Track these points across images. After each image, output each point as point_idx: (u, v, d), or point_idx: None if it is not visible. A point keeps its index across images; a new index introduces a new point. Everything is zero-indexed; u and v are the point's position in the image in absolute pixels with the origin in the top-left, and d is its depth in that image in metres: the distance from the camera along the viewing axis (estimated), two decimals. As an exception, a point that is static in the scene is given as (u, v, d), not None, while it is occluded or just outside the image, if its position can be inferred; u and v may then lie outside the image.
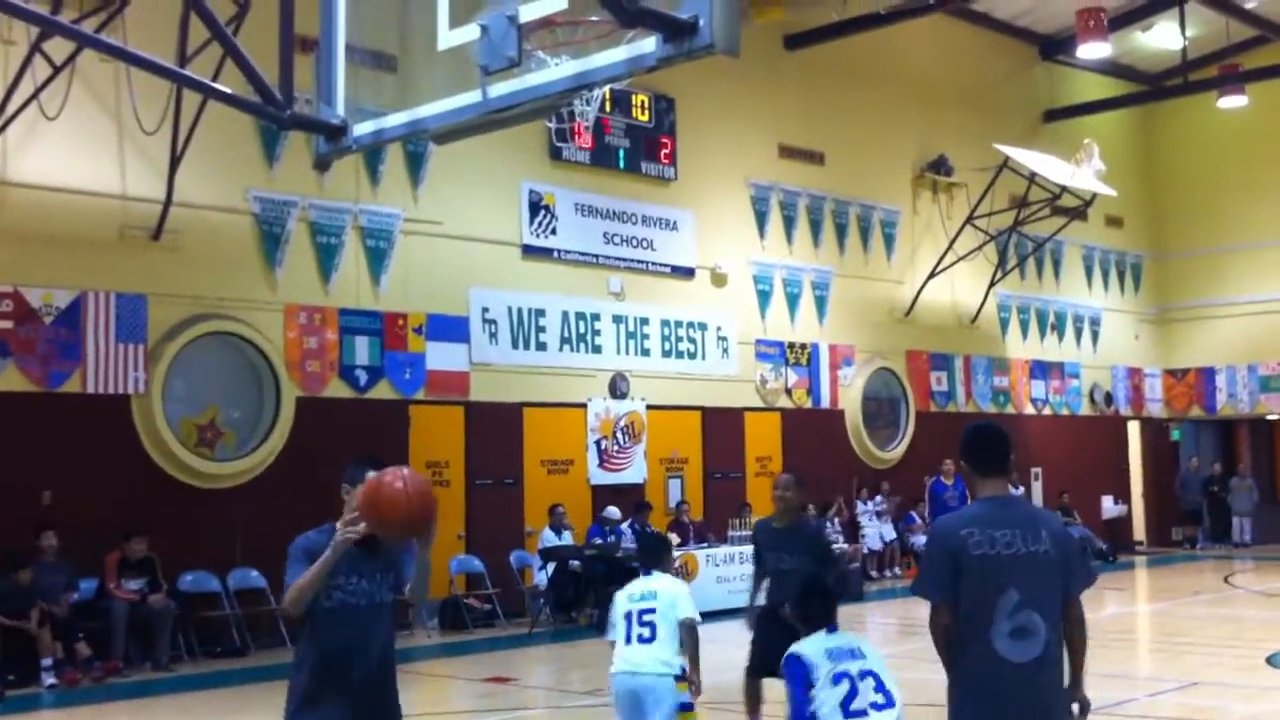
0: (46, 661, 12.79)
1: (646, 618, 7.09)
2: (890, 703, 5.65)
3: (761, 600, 8.95)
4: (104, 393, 14.57)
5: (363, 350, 17.00)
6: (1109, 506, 28.62)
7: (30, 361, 14.09)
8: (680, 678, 6.95)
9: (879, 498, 23.18)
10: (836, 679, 5.58)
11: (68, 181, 14.61)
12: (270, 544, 15.01)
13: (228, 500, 15.18)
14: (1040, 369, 27.80)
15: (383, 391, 17.16)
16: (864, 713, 5.55)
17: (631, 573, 17.51)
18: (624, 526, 18.31)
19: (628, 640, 7.12)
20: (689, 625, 7.08)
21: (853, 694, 5.57)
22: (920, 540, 23.03)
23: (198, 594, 14.69)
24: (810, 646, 5.75)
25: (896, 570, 23.03)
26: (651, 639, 7.01)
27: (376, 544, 5.05)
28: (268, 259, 16.19)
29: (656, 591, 7.20)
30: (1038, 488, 26.77)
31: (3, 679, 12.34)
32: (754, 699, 8.66)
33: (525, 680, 13.09)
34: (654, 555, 7.64)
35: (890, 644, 15.85)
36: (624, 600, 7.28)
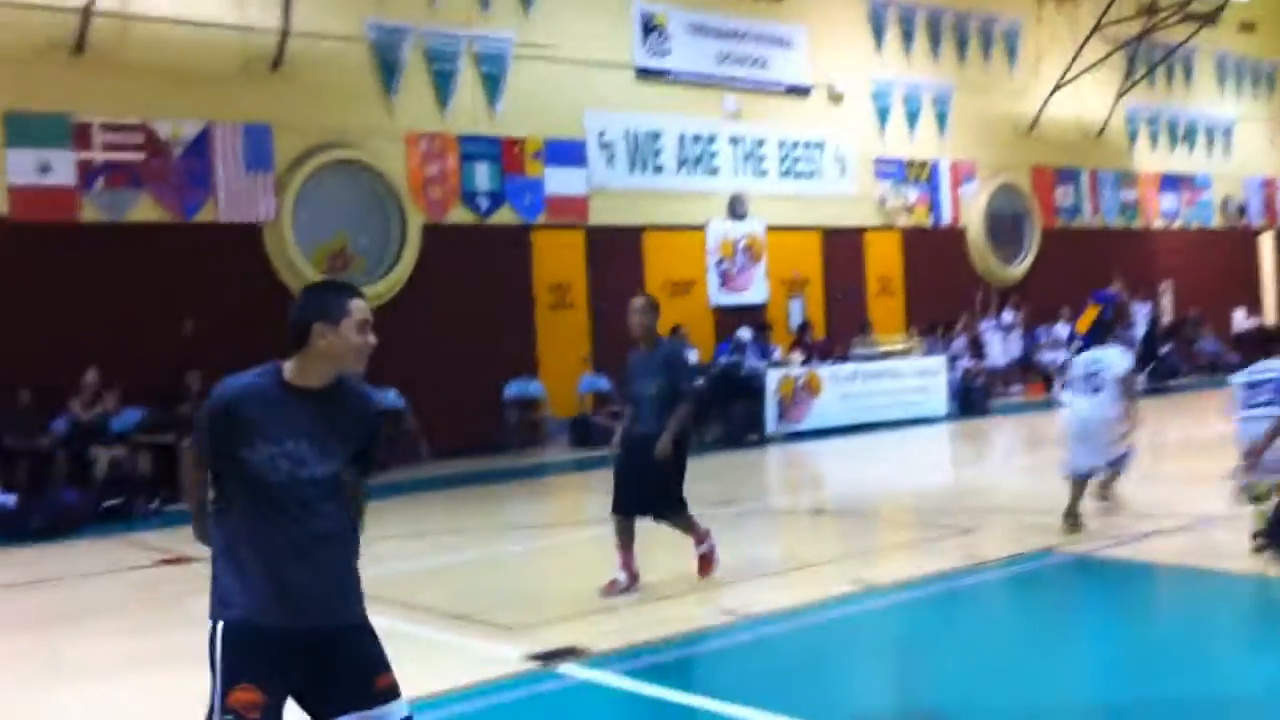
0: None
1: (1093, 379, 9.51)
2: None
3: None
4: (236, 221, 14.93)
5: (483, 176, 17.14)
6: (1240, 320, 27.97)
7: (164, 191, 14.47)
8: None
9: (1006, 313, 22.95)
10: None
11: (189, 14, 14.77)
12: (405, 365, 15.58)
13: (361, 324, 15.57)
14: (1170, 182, 27.02)
15: (504, 217, 17.33)
16: None
17: (752, 389, 17.69)
18: (749, 344, 18.45)
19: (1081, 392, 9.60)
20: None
21: None
22: (1049, 357, 22.82)
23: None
24: None
25: (1019, 386, 22.92)
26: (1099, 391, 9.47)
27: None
28: (385, 87, 16.29)
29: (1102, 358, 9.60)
30: (1167, 302, 26.27)
31: (160, 495, 12.97)
32: (625, 535, 8.12)
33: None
34: (1104, 331, 10.23)
35: (1015, 455, 15.91)
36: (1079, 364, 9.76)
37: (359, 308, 3.92)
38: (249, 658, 3.64)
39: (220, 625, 3.71)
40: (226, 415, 3.77)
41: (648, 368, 8.08)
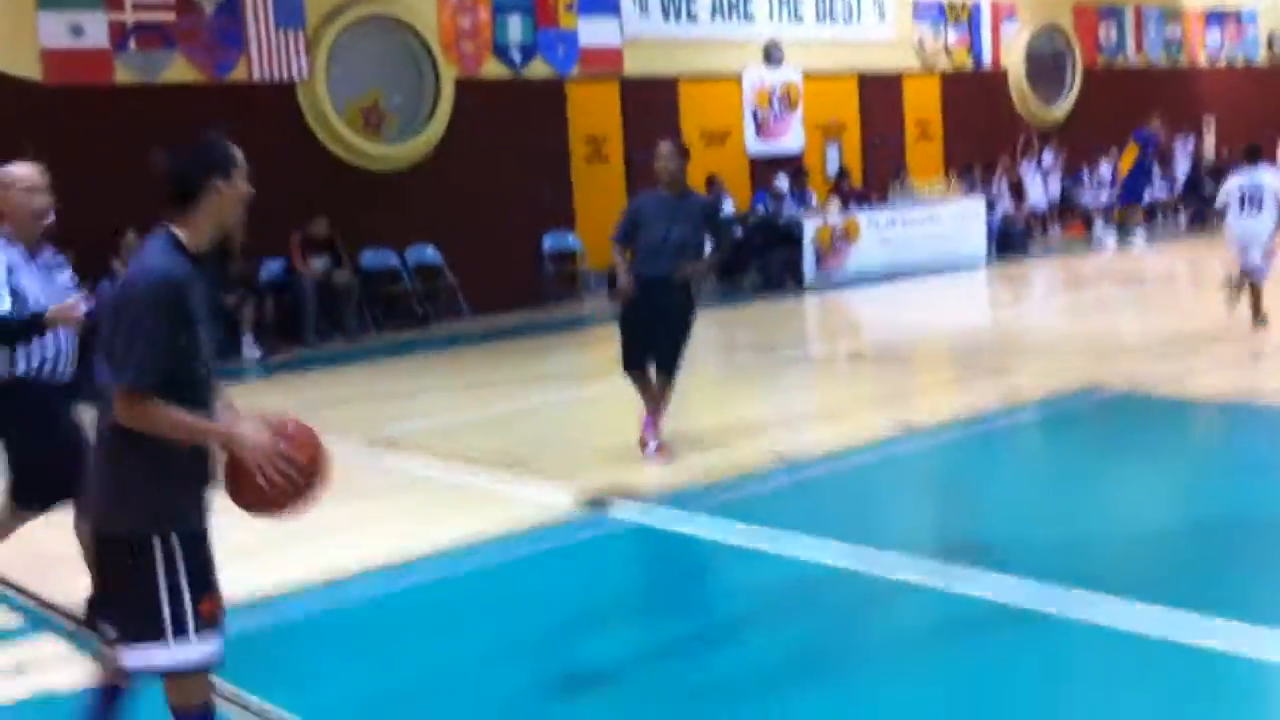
0: (248, 336, 13.61)
1: (1254, 199, 10.86)
2: None
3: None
4: (269, 80, 14.86)
5: (515, 28, 16.90)
6: (1285, 157, 27.53)
7: (196, 50, 14.37)
8: None
9: (1046, 156, 22.66)
10: None
11: None
12: (443, 221, 15.62)
13: (398, 182, 15.57)
14: (1215, 17, 26.32)
15: (538, 70, 17.13)
16: None
17: (790, 237, 17.59)
18: (786, 192, 18.36)
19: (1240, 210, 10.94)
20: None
21: None
22: (1091, 199, 22.56)
23: (378, 271, 15.31)
24: None
25: (1058, 229, 22.74)
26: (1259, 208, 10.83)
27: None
28: (412, -64, 16.02)
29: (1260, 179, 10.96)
30: (1210, 140, 25.84)
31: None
32: (649, 392, 7.87)
33: (696, 339, 13.46)
34: (1256, 154, 11.36)
35: (1056, 296, 15.87)
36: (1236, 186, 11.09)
37: (240, 153, 3.69)
38: (206, 564, 3.44)
39: (176, 536, 3.34)
40: (181, 301, 3.30)
41: (673, 214, 7.77)
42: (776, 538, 5.89)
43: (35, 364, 5.04)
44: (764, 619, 4.97)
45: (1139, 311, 13.65)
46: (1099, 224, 22.06)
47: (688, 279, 7.84)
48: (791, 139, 19.92)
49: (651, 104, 18.22)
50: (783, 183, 18.58)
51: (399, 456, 8.29)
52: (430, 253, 15.72)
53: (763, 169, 19.31)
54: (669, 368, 7.81)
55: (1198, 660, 4.27)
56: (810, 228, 17.14)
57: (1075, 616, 4.67)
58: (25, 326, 4.89)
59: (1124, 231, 20.67)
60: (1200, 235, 21.62)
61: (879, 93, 21.00)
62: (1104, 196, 22.21)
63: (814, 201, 18.48)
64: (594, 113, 17.77)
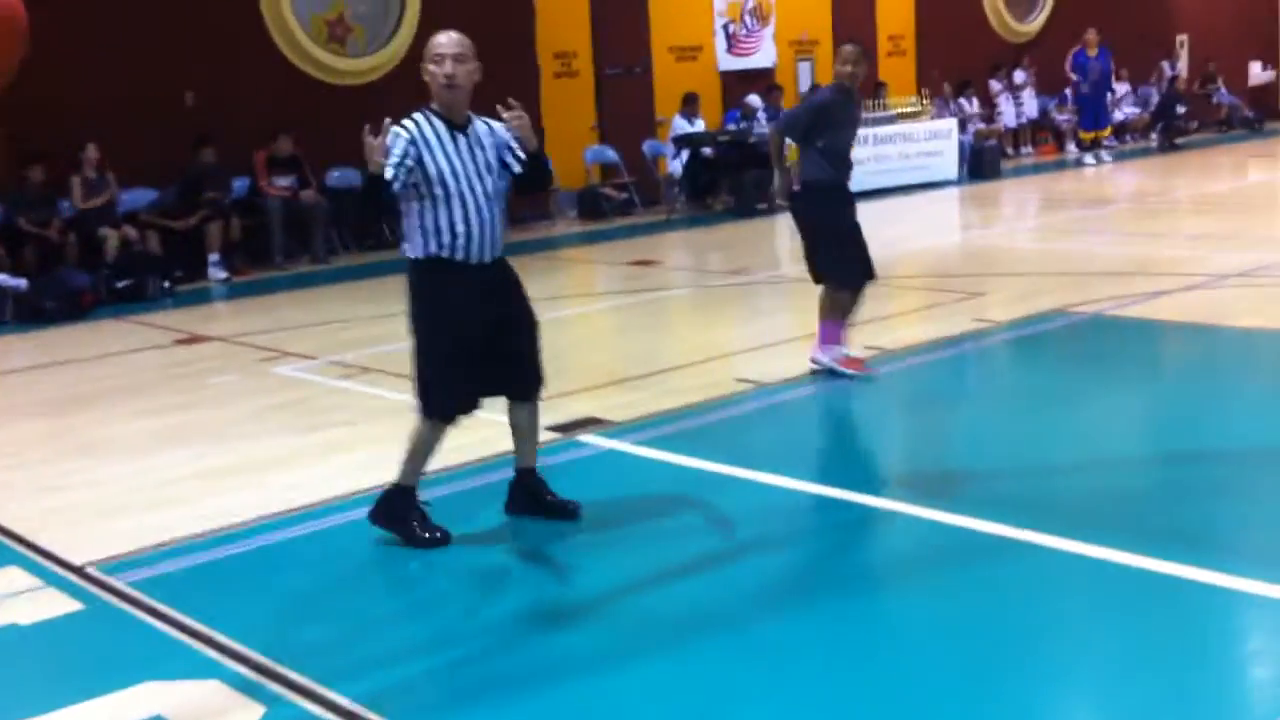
0: (214, 257, 13.43)
1: None
2: None
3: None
4: (231, -9, 14.54)
5: (483, -62, 16.54)
6: (1257, 72, 27.46)
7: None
8: None
9: (1018, 73, 22.50)
10: None
11: None
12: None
13: (365, 96, 15.31)
14: (1189, -71, 26.07)
15: (506, -17, 16.83)
16: None
17: (761, 157, 17.57)
18: (760, 111, 18.18)
19: None
20: None
21: None
22: (1066, 119, 22.47)
23: (345, 190, 15.11)
24: None
25: (1029, 148, 22.66)
26: None
27: None
28: None
29: None
30: (1183, 56, 25.71)
31: (171, 275, 12.99)
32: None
33: (666, 263, 13.42)
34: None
35: (1027, 218, 15.84)
36: None
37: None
38: None
39: None
40: None
41: (853, 118, 7.61)
42: (749, 463, 5.87)
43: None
44: (739, 545, 4.96)
45: (1109, 234, 13.64)
46: (1070, 144, 22.02)
47: None
48: (763, 54, 19.72)
49: (621, 18, 17.98)
50: (755, 100, 18.40)
51: (367, 382, 8.22)
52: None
53: (734, 85, 19.12)
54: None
55: (1192, 591, 4.29)
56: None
57: (1052, 545, 4.68)
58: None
59: (1088, 151, 20.62)
60: (1169, 155, 21.60)
61: (851, 6, 20.77)
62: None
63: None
64: (563, 27, 17.51)
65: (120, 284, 12.47)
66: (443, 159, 4.98)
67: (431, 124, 5.05)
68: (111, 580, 4.92)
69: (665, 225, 16.45)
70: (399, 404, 7.57)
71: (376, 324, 10.38)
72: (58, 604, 4.73)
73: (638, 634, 4.20)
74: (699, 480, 5.79)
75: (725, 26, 19.25)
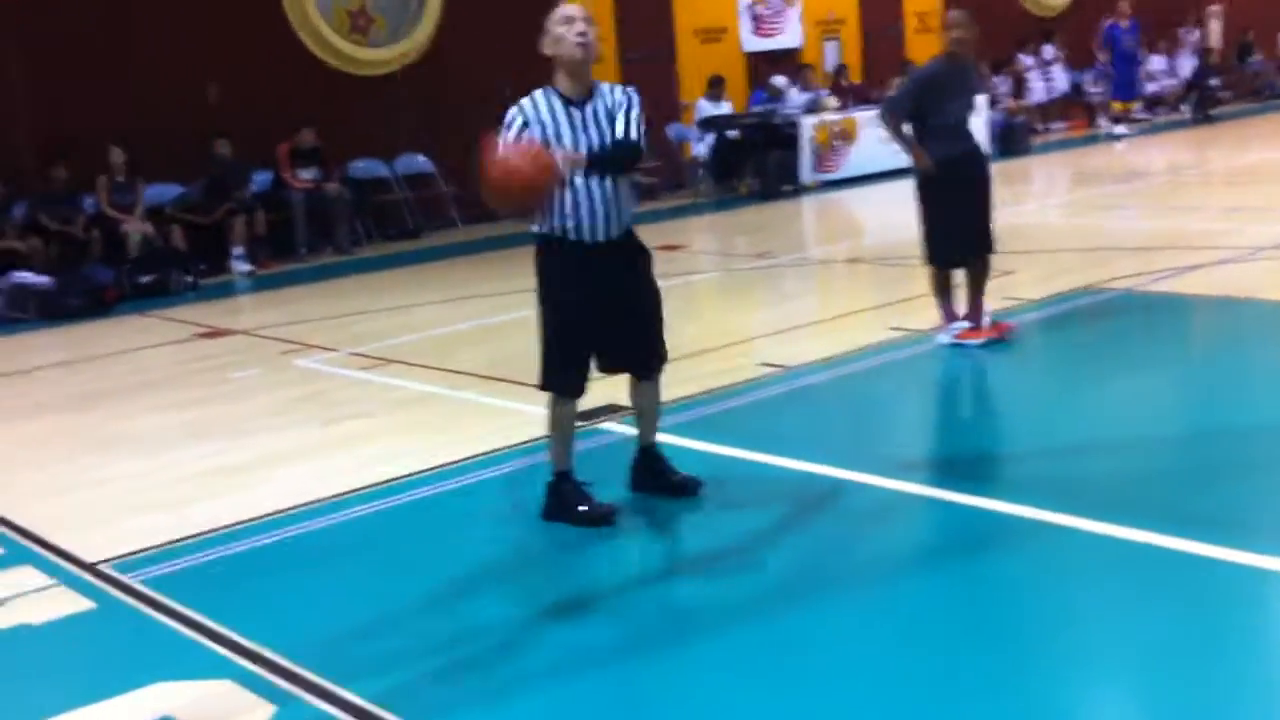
0: (237, 250, 13.40)
1: None
2: None
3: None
4: (252, -16, 14.48)
5: (503, -77, 16.44)
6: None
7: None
8: None
9: (1047, 48, 22.22)
10: None
11: None
12: (433, 129, 15.30)
13: (387, 87, 15.26)
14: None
15: (527, -32, 16.70)
16: None
17: (787, 138, 17.42)
18: (790, 91, 18.00)
19: None
20: None
21: None
22: (1099, 91, 22.18)
23: (368, 180, 15.06)
24: None
25: (1060, 124, 22.37)
26: None
27: None
28: None
29: None
30: (1216, 26, 25.34)
31: (196, 269, 12.98)
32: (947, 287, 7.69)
33: (692, 246, 13.29)
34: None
35: (1057, 193, 15.62)
36: None
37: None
38: None
39: None
40: None
41: (966, 87, 7.51)
42: (775, 449, 5.77)
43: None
44: (765, 533, 4.86)
45: (1140, 208, 13.42)
46: (1101, 119, 21.73)
47: None
48: (789, 35, 19.54)
49: (645, 3, 17.83)
50: (781, 80, 18.21)
51: (389, 374, 8.15)
52: (421, 161, 15.45)
53: (760, 67, 18.95)
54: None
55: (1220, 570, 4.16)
56: (808, 128, 16.83)
57: (1084, 527, 4.56)
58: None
59: (1119, 122, 20.35)
60: (1202, 128, 21.29)
61: (879, -16, 20.57)
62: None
63: (826, 94, 18.16)
64: (586, 10, 17.37)
65: (144, 279, 12.46)
66: (555, 137, 4.79)
67: (549, 101, 4.87)
68: (125, 578, 4.87)
69: (691, 209, 16.32)
70: (419, 395, 7.52)
71: (398, 315, 10.34)
72: (70, 603, 4.68)
73: (661, 626, 4.11)
74: (723, 466, 5.69)
75: (750, 7, 19.07)
